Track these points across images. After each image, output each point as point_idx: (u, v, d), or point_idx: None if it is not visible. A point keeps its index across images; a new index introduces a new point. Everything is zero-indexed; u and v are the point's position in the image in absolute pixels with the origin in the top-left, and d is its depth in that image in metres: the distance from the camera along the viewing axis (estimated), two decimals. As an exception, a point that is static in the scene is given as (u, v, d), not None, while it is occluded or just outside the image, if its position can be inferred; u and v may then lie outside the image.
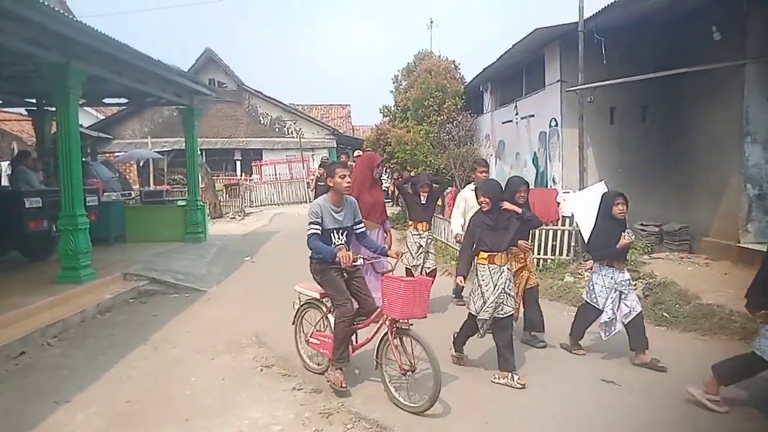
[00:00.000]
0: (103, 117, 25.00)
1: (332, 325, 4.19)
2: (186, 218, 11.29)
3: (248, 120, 25.35)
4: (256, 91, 25.47)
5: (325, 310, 4.40)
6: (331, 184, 4.24)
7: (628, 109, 9.93)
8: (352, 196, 4.57)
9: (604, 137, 9.84)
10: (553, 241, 8.44)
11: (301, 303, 4.68)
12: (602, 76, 8.83)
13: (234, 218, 17.23)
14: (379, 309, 4.06)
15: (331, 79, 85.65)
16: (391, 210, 15.51)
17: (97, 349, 5.20)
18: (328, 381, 4.12)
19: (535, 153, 11.34)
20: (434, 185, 6.60)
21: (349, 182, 4.25)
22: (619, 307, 4.73)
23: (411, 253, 6.41)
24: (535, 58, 11.12)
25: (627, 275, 4.84)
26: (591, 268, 5.06)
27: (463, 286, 5.03)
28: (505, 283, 4.35)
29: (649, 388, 4.24)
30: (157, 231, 10.93)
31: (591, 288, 4.88)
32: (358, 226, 4.47)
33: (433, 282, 5.23)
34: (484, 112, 15.28)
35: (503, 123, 13.43)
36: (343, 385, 4.04)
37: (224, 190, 20.55)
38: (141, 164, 21.35)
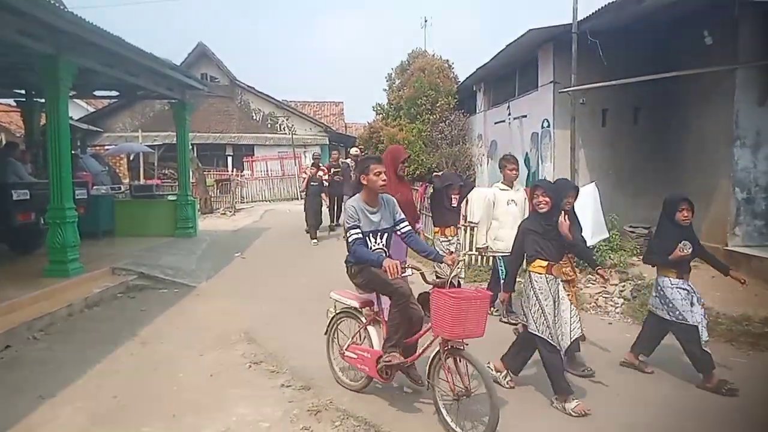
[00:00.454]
0: (94, 109, 24.76)
1: (372, 338, 3.89)
2: (176, 213, 11.22)
3: (240, 115, 25.24)
4: (248, 86, 25.36)
5: (364, 320, 4.02)
6: (365, 182, 3.85)
7: (620, 112, 9.99)
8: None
9: (596, 139, 9.90)
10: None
11: (336, 312, 4.27)
12: (595, 78, 8.87)
13: (225, 214, 17.15)
14: (429, 326, 3.63)
15: (325, 77, 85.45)
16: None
17: (84, 343, 5.15)
18: (385, 364, 3.73)
19: (527, 153, 11.38)
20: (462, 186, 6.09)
21: (385, 180, 3.85)
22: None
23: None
24: (529, 59, 11.15)
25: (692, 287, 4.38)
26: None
27: (510, 302, 4.69)
28: (562, 298, 4.00)
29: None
30: (146, 226, 10.86)
31: (670, 305, 4.30)
32: (401, 226, 4.01)
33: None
34: (477, 111, 15.31)
35: (496, 123, 13.47)
36: (403, 360, 3.71)
37: (215, 186, 20.44)
38: (131, 158, 21.18)
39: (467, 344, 3.44)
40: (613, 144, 9.96)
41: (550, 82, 10.04)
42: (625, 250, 8.06)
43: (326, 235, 11.97)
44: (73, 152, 9.19)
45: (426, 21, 26.60)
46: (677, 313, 4.25)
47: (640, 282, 7.00)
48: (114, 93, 12.30)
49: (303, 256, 10.01)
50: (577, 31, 8.89)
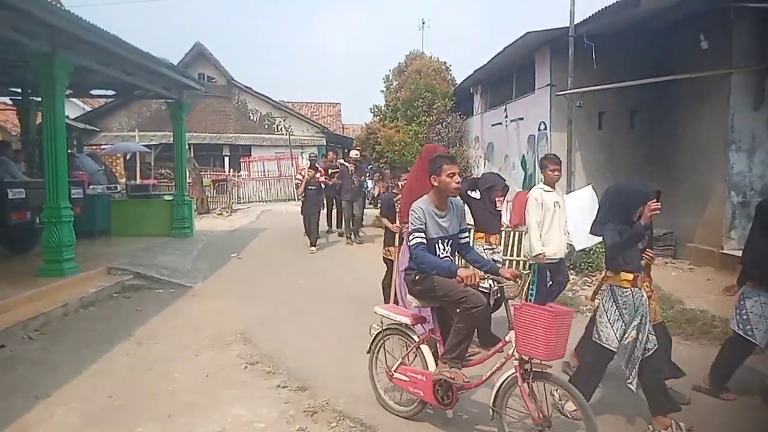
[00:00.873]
0: (90, 109, 24.69)
1: (427, 359, 3.50)
2: (172, 213, 11.19)
3: (237, 116, 25.21)
4: (245, 86, 25.34)
5: (416, 339, 3.62)
6: (436, 184, 3.46)
7: (617, 115, 10.03)
8: (400, 197, 4.15)
9: (592, 142, 9.93)
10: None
11: (383, 328, 3.86)
12: (592, 81, 8.90)
13: (221, 214, 17.13)
14: (500, 343, 3.29)
15: (322, 78, 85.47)
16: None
17: (80, 343, 5.13)
18: (445, 377, 3.30)
19: (523, 156, 11.40)
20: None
21: (459, 182, 3.48)
22: None
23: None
24: (526, 62, 11.18)
25: None
26: (737, 293, 4.15)
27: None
28: (647, 311, 3.56)
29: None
30: (142, 225, 10.83)
31: (743, 317, 3.94)
32: (463, 236, 3.65)
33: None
34: (474, 114, 15.34)
35: (493, 125, 13.49)
36: (466, 379, 3.30)
37: (212, 186, 20.41)
38: (128, 157, 21.12)
39: (551, 366, 3.09)
40: (610, 147, 10.00)
41: (547, 85, 10.07)
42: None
43: (325, 241, 11.52)
44: (69, 151, 9.16)
45: (423, 23, 26.65)
46: (746, 327, 3.93)
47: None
48: (111, 92, 12.26)
49: (299, 257, 10.00)
50: (574, 34, 8.92)
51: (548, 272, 5.40)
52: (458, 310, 3.28)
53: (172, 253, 9.43)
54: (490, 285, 3.65)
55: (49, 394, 3.98)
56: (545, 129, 10.22)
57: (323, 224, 11.97)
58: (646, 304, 3.55)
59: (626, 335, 3.47)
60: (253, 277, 8.41)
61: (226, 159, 24.67)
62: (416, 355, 3.65)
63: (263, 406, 3.85)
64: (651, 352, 3.47)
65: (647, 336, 3.48)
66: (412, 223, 3.46)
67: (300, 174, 11.93)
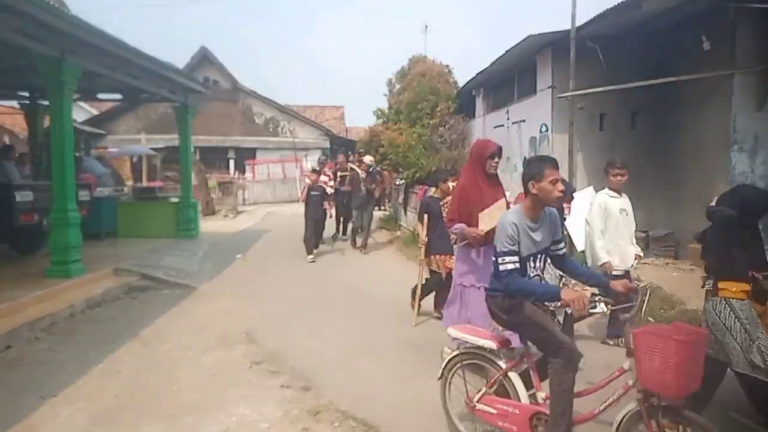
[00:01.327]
0: (97, 112, 24.85)
1: (517, 389, 3.04)
2: (178, 215, 11.28)
3: (243, 119, 25.32)
4: (250, 90, 25.46)
5: (503, 365, 3.11)
6: (535, 191, 2.95)
7: (618, 116, 10.03)
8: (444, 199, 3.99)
9: (594, 143, 9.93)
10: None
11: (460, 352, 3.33)
12: (593, 82, 8.91)
13: (226, 216, 17.22)
14: (615, 372, 2.82)
15: (326, 81, 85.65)
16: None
17: (86, 344, 5.20)
18: None
19: (525, 158, 11.41)
20: None
21: (562, 190, 2.95)
22: None
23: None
24: (528, 64, 11.20)
25: None
26: None
27: None
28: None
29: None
30: (149, 227, 10.92)
31: None
32: (557, 247, 3.15)
33: None
34: (476, 116, 15.36)
35: (495, 127, 13.51)
36: None
37: (217, 188, 20.52)
38: (134, 160, 21.26)
39: (685, 401, 2.58)
40: (611, 148, 9.98)
41: (549, 87, 10.08)
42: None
43: (329, 248, 11.00)
44: (76, 154, 9.26)
45: (426, 27, 26.63)
46: None
47: (637, 285, 7.03)
48: (118, 96, 12.35)
49: (303, 258, 10.06)
50: (575, 36, 8.94)
51: None
52: (552, 360, 2.86)
53: (178, 254, 9.50)
54: (597, 304, 2.98)
55: (55, 394, 4.03)
56: (547, 131, 10.24)
57: (330, 230, 11.49)
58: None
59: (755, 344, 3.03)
60: (258, 278, 8.46)
61: (232, 161, 24.79)
62: (501, 383, 3.13)
63: (267, 405, 3.89)
64: None
65: None
66: (503, 244, 2.91)
67: (307, 178, 11.30)
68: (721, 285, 3.26)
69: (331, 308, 6.67)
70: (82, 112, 22.88)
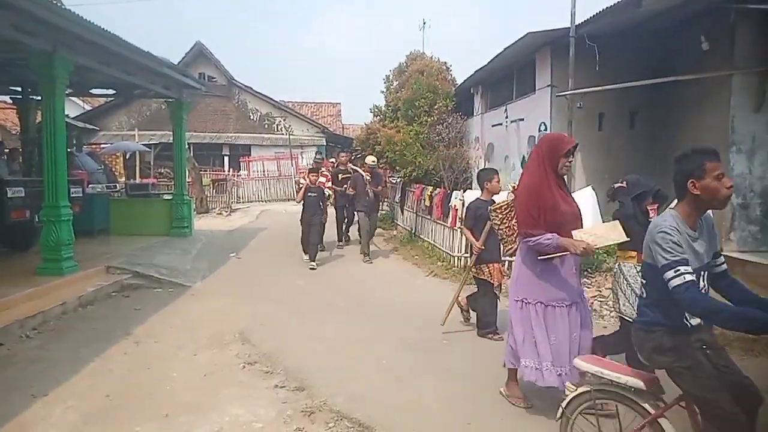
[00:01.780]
0: (90, 108, 24.72)
1: None
2: (172, 212, 11.18)
3: (237, 115, 25.22)
4: (246, 86, 25.36)
5: (651, 411, 2.56)
6: (696, 191, 2.45)
7: (617, 116, 10.02)
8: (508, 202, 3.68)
9: (593, 143, 9.92)
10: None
11: (592, 389, 2.75)
12: (592, 81, 8.89)
13: (220, 214, 17.13)
14: None
15: (322, 78, 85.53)
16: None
17: (78, 342, 5.12)
18: None
19: (524, 156, 11.38)
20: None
21: (730, 187, 2.44)
22: None
23: (626, 297, 4.19)
24: (527, 63, 11.17)
25: None
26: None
27: None
28: None
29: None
30: (142, 224, 10.82)
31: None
32: (717, 261, 2.60)
33: None
34: (475, 114, 15.33)
35: (493, 126, 13.48)
36: None
37: (211, 185, 20.41)
38: (127, 157, 21.14)
39: None
40: (610, 148, 9.99)
41: (548, 86, 10.06)
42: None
43: (328, 255, 10.21)
44: (68, 150, 9.15)
45: (424, 23, 26.57)
46: None
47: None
48: (111, 91, 12.25)
49: (299, 257, 9.99)
50: (574, 35, 8.91)
51: None
52: (706, 424, 2.42)
53: (171, 252, 9.42)
54: None
55: (47, 392, 3.97)
56: (545, 130, 10.20)
57: (331, 235, 10.89)
58: None
59: None
60: (252, 276, 8.40)
61: (226, 158, 24.69)
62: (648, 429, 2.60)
63: (261, 405, 3.84)
64: None
65: None
66: (669, 253, 2.36)
67: (303, 178, 10.46)
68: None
69: (326, 308, 6.61)
70: (74, 107, 22.72)
